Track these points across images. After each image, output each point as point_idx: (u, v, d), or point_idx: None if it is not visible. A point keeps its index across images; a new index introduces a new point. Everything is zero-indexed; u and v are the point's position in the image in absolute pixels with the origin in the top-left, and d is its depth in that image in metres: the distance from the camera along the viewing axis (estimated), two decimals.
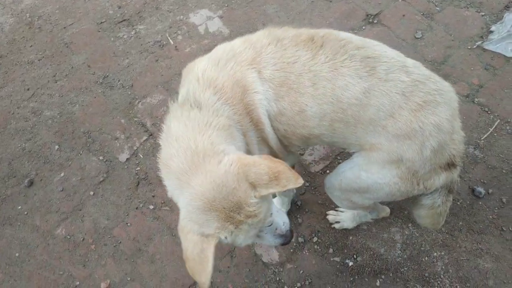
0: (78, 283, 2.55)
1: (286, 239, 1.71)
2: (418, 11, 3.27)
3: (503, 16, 3.16)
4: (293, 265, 2.48)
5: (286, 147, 1.92)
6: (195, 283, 2.47)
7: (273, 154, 1.85)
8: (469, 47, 3.09)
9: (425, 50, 3.11)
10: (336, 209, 2.59)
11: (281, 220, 1.71)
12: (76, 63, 3.36)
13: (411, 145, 1.62)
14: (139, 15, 3.55)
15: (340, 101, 1.65)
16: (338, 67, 1.64)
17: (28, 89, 3.27)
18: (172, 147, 1.57)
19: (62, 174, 2.90)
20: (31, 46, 3.49)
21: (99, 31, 3.51)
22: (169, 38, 3.39)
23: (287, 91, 1.68)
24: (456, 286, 2.34)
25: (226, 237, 1.47)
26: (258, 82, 1.67)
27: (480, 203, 2.55)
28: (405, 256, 2.45)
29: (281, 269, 2.48)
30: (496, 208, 2.53)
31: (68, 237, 2.69)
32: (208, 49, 3.25)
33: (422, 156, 1.63)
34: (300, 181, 1.44)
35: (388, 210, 2.37)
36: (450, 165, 1.71)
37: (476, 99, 2.89)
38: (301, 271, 2.46)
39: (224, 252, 2.54)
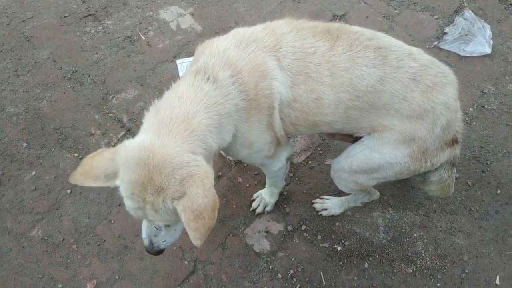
0: (60, 285, 2.40)
1: (150, 247, 1.82)
2: (379, 13, 3.51)
3: (454, 20, 3.48)
4: (285, 253, 2.53)
5: (287, 136, 1.99)
6: (188, 277, 2.43)
7: (276, 140, 1.91)
8: (427, 47, 3.37)
9: None
10: (321, 197, 2.69)
11: (168, 236, 1.79)
12: (39, 57, 3.17)
13: (423, 124, 1.76)
14: (106, 10, 3.44)
15: (356, 90, 1.77)
16: (355, 57, 1.76)
17: None
18: (172, 103, 1.60)
19: (33, 173, 2.72)
20: None
21: (63, 26, 3.34)
22: (140, 33, 3.32)
23: (304, 79, 1.76)
24: (436, 263, 2.53)
25: (121, 193, 1.55)
26: (277, 69, 1.73)
27: None
28: (388, 238, 2.60)
29: (273, 258, 2.52)
30: (464, 191, 2.77)
31: (46, 238, 2.53)
32: (182, 45, 3.28)
33: (433, 134, 1.78)
34: (197, 243, 1.46)
35: (378, 193, 2.51)
36: (454, 141, 1.88)
37: None
38: (293, 259, 2.52)
39: (216, 244, 2.53)
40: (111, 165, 1.55)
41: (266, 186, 2.55)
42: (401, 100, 1.76)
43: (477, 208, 2.71)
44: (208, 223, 1.46)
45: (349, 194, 2.55)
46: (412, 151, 1.82)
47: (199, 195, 1.45)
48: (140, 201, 1.51)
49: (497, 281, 2.47)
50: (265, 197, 2.60)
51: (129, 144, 1.55)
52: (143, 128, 1.64)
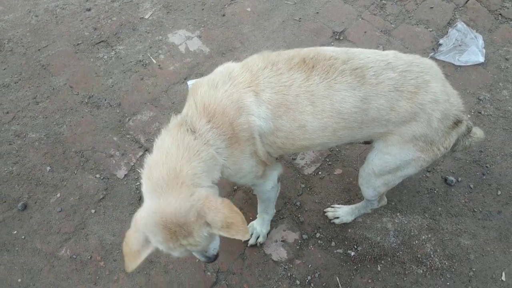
0: None
1: (209, 260, 2.03)
2: (376, 28, 3.70)
3: (447, 31, 3.67)
4: (301, 261, 2.67)
5: (273, 157, 2.13)
6: (212, 287, 2.57)
7: (262, 162, 2.05)
8: None
9: None
10: (333, 205, 2.84)
11: (213, 246, 1.99)
12: (56, 84, 3.33)
13: (418, 125, 1.86)
14: (117, 36, 3.61)
15: (340, 113, 1.85)
16: (332, 84, 1.83)
17: (7, 112, 3.19)
18: (160, 159, 1.77)
19: (58, 195, 2.86)
20: (4, 69, 3.40)
21: (77, 53, 3.51)
22: (151, 57, 3.49)
23: (285, 110, 1.86)
24: (445, 263, 2.67)
25: (162, 250, 1.74)
26: (254, 104, 1.84)
27: (453, 190, 2.94)
28: (398, 241, 2.75)
29: (291, 265, 2.66)
30: (466, 193, 2.92)
31: (74, 256, 2.66)
32: (191, 66, 3.45)
33: (432, 128, 1.88)
34: (246, 236, 1.69)
35: (386, 199, 2.66)
36: (457, 123, 1.95)
37: None
38: (309, 265, 2.66)
39: (235, 255, 2.67)
40: (139, 236, 1.75)
41: (257, 216, 2.67)
42: (389, 112, 1.85)
43: (480, 209, 2.86)
44: (238, 220, 1.68)
45: (359, 202, 2.71)
46: (419, 146, 1.92)
47: (216, 214, 1.68)
48: (179, 247, 1.72)
49: (503, 278, 2.61)
50: (256, 227, 2.68)
51: (142, 214, 1.75)
52: (145, 191, 1.80)
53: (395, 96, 1.84)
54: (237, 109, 1.82)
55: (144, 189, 1.81)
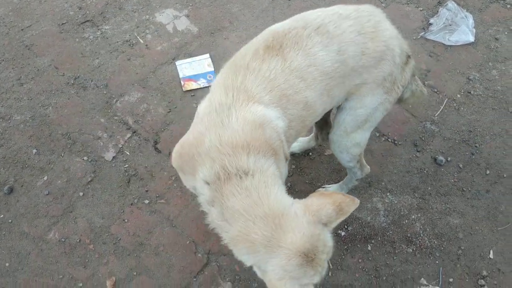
0: (81, 284, 2.51)
1: None
2: None
3: (437, 11, 3.65)
4: None
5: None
6: (203, 269, 2.56)
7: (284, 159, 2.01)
8: (414, 38, 3.53)
9: None
10: (323, 186, 2.84)
11: None
12: (41, 65, 3.25)
13: (386, 63, 1.92)
14: (103, 16, 3.52)
15: (327, 73, 1.85)
16: (308, 50, 1.81)
17: None
18: (246, 221, 1.61)
19: (45, 178, 2.81)
20: None
21: (62, 33, 3.42)
22: (138, 37, 3.42)
23: (287, 100, 1.81)
24: (434, 242, 2.70)
25: (318, 281, 1.63)
26: (266, 112, 1.76)
27: (442, 169, 2.95)
28: (388, 221, 2.76)
29: None
30: (456, 173, 2.94)
31: (63, 240, 2.63)
32: (180, 46, 3.39)
33: (396, 64, 1.96)
34: (357, 201, 1.68)
35: (368, 167, 2.63)
36: (408, 58, 2.04)
37: (426, 82, 3.31)
38: None
39: (219, 237, 2.66)
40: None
41: None
42: (362, 57, 1.88)
43: (469, 189, 2.88)
44: (338, 197, 1.68)
45: (346, 179, 2.71)
46: (386, 88, 1.99)
47: (323, 210, 1.63)
48: (324, 263, 1.63)
49: (491, 255, 2.65)
50: None
51: (276, 272, 1.59)
52: (253, 260, 1.66)
53: (361, 40, 1.87)
54: (260, 126, 1.73)
55: (253, 262, 1.67)
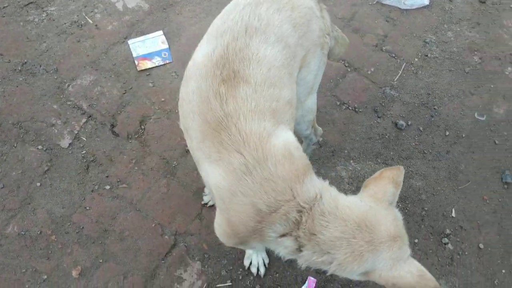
0: (45, 276, 2.44)
1: None
2: None
3: None
4: None
5: None
6: (170, 250, 2.53)
7: None
8: (370, 3, 3.51)
9: (335, 9, 3.46)
10: None
11: None
12: None
13: (313, 21, 1.92)
14: None
15: (284, 65, 1.75)
16: (257, 58, 1.70)
17: None
18: (348, 240, 1.58)
19: None
20: None
21: (4, 17, 3.22)
22: (86, 17, 3.26)
23: (277, 112, 1.70)
24: (398, 205, 2.72)
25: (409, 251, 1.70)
26: (277, 137, 1.65)
27: (403, 134, 2.99)
28: (353, 188, 2.78)
29: None
30: (416, 136, 2.98)
31: (23, 233, 2.54)
32: (131, 25, 3.27)
33: (320, 18, 1.99)
34: (402, 168, 1.80)
35: (320, 128, 2.64)
36: (322, 9, 2.06)
37: (383, 47, 3.31)
38: None
39: (192, 216, 2.63)
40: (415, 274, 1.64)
41: None
42: (295, 29, 1.83)
43: (430, 151, 2.93)
44: (384, 169, 1.83)
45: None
46: (321, 45, 2.01)
47: (388, 193, 1.72)
48: (406, 238, 1.69)
49: (453, 214, 2.72)
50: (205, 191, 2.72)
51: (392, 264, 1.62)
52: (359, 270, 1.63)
53: (285, 15, 1.80)
54: (288, 153, 1.61)
55: (361, 267, 1.62)
